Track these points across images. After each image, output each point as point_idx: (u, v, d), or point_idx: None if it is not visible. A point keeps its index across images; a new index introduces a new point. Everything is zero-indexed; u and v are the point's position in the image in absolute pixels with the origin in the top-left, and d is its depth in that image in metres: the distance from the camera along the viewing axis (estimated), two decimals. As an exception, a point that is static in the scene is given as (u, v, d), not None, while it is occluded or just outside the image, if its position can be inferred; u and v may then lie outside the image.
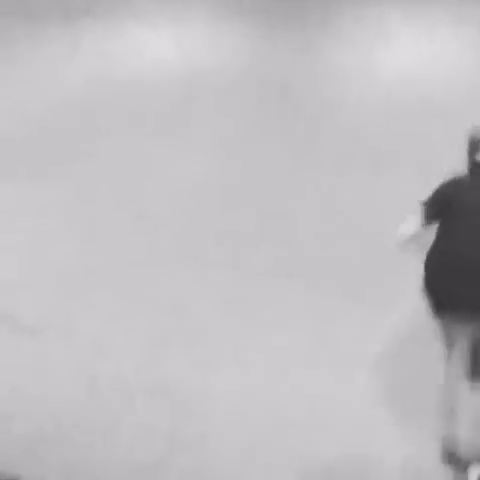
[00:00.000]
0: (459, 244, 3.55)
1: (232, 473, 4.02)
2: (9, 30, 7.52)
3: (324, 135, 6.42)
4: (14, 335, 4.84)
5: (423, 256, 3.80)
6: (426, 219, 3.83)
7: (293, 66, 7.20)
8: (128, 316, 5.01)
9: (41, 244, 5.63)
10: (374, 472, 4.00)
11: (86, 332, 4.93)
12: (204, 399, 4.43)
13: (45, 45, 7.93)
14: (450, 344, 3.69)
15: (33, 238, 5.69)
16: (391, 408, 4.29)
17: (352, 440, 4.14)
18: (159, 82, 7.30)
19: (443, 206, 3.82)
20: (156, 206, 5.97)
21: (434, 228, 3.89)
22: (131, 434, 4.27)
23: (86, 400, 4.48)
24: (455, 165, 5.70)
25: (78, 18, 7.66)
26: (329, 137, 6.38)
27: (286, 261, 5.32)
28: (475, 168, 3.79)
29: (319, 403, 4.33)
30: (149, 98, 7.15)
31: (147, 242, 5.61)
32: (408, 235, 3.81)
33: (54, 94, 7.36)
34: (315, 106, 6.75)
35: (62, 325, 4.98)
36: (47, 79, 7.58)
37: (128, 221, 5.83)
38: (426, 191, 5.63)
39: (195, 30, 7.77)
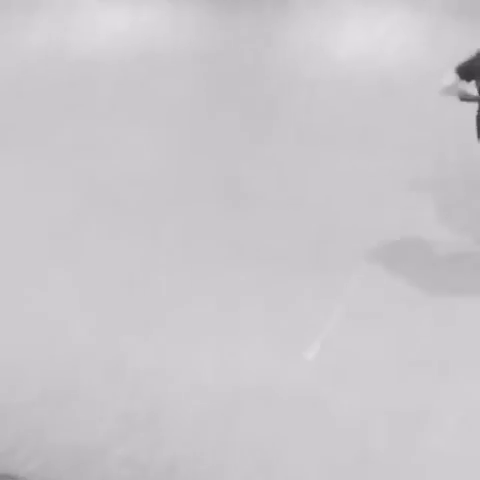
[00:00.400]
0: None
1: (186, 452, 4.05)
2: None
3: (280, 112, 6.45)
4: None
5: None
6: (461, 78, 4.35)
7: (250, 45, 7.22)
8: (84, 293, 4.99)
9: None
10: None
11: (40, 308, 4.90)
12: (158, 378, 4.43)
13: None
14: None
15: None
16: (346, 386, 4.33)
17: (303, 412, 4.17)
18: (115, 58, 7.24)
19: (474, 74, 4.33)
20: (113, 181, 5.92)
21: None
22: (83, 412, 4.26)
23: (38, 377, 4.46)
24: (406, 139, 5.96)
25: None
26: (285, 114, 6.43)
27: (242, 237, 5.33)
28: None
29: (272, 378, 4.36)
30: (105, 74, 7.09)
31: (103, 217, 5.58)
32: (446, 86, 4.34)
33: (6, 69, 7.25)
34: (271, 84, 6.77)
35: (17, 300, 4.95)
36: (-1, 53, 7.47)
37: (85, 197, 5.77)
38: (378, 166, 5.77)
39: (153, 6, 7.70)
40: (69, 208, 5.73)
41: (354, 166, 5.80)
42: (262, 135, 6.26)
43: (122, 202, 5.77)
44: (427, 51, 6.55)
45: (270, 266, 5.09)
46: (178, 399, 4.33)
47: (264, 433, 4.13)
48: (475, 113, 4.67)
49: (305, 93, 6.60)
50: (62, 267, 5.22)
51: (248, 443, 4.09)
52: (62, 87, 7.05)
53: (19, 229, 5.54)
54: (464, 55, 4.56)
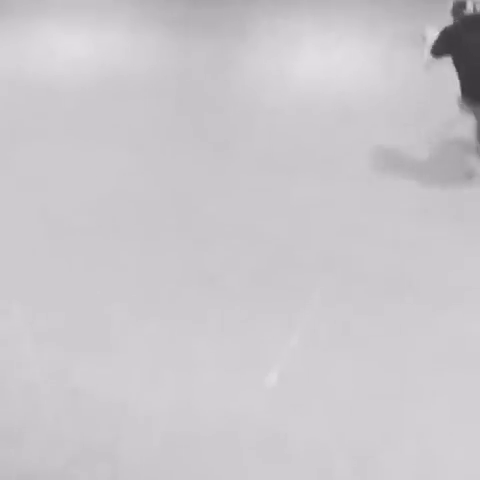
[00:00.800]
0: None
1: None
2: None
3: (239, 139, 6.52)
4: None
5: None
6: (435, 57, 5.50)
7: (210, 73, 7.30)
8: (38, 322, 4.92)
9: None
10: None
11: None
12: (115, 408, 4.37)
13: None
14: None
15: None
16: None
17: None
18: (73, 84, 7.24)
19: (447, 48, 5.42)
20: (66, 209, 5.88)
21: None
22: (38, 442, 4.19)
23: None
24: (362, 166, 6.14)
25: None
26: (244, 141, 6.48)
27: (199, 263, 5.33)
28: (466, 19, 5.46)
29: (232, 408, 4.34)
30: (63, 100, 7.08)
31: (57, 245, 5.53)
32: (427, 62, 5.50)
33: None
34: (231, 111, 6.83)
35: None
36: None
37: (37, 223, 5.68)
38: (335, 192, 5.90)
39: (113, 33, 7.75)
40: (23, 229, 5.64)
41: (312, 192, 5.86)
42: (222, 162, 6.31)
43: (75, 228, 5.71)
44: (381, 77, 6.72)
45: (227, 293, 5.08)
46: (136, 430, 4.27)
47: (224, 467, 4.05)
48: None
49: (264, 120, 6.68)
50: (14, 297, 5.16)
51: (207, 475, 4.04)
52: (19, 114, 7.00)
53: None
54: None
